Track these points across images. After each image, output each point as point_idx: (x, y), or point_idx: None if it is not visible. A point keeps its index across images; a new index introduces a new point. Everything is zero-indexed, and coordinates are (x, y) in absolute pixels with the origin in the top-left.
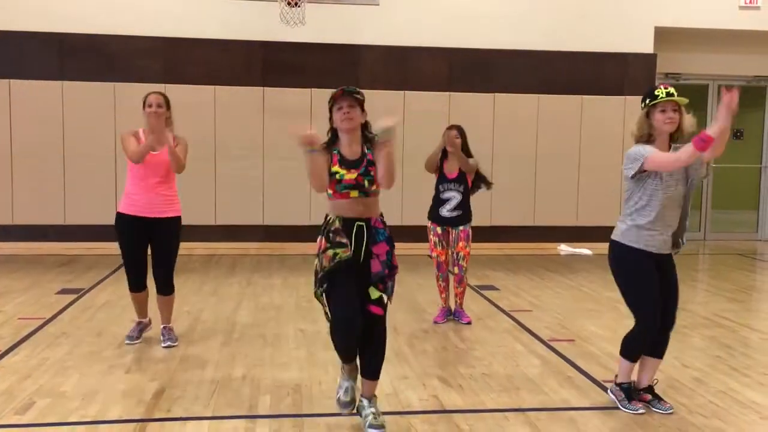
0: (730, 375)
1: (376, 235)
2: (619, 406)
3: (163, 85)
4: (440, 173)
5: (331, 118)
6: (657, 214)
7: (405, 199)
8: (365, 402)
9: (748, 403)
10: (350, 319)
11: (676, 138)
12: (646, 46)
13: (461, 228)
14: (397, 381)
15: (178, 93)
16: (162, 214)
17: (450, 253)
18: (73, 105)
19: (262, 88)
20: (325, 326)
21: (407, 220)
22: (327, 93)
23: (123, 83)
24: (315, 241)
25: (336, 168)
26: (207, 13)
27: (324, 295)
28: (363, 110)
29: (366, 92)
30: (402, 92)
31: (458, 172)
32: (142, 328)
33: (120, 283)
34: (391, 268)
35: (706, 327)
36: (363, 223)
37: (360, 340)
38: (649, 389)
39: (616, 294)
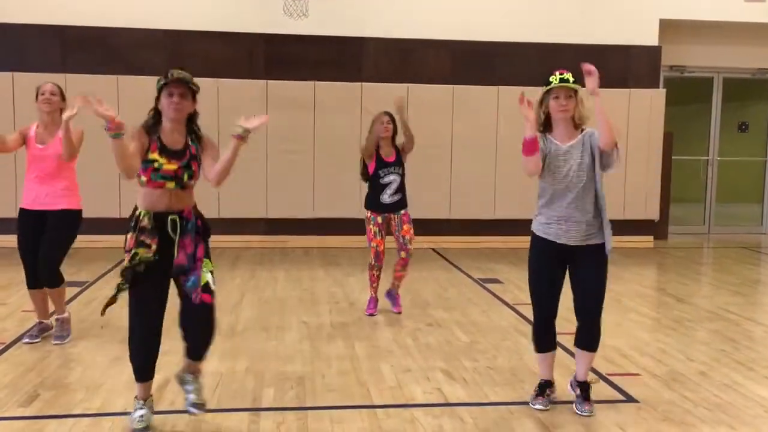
0: (735, 368)
1: (186, 226)
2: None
3: None
4: (377, 159)
5: (157, 99)
6: (547, 202)
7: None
8: (188, 377)
9: (753, 397)
10: (146, 335)
11: (578, 125)
12: (651, 38)
13: (402, 212)
14: (401, 374)
15: None
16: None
17: (396, 238)
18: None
19: (265, 80)
20: (328, 318)
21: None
22: (330, 85)
23: (126, 76)
24: (318, 234)
25: (155, 156)
26: (210, 6)
27: (126, 294)
28: (194, 100)
29: (369, 85)
30: (405, 85)
31: (395, 156)
32: (43, 327)
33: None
34: (195, 260)
35: (710, 320)
36: (176, 216)
37: (186, 327)
38: (581, 384)
39: (619, 287)
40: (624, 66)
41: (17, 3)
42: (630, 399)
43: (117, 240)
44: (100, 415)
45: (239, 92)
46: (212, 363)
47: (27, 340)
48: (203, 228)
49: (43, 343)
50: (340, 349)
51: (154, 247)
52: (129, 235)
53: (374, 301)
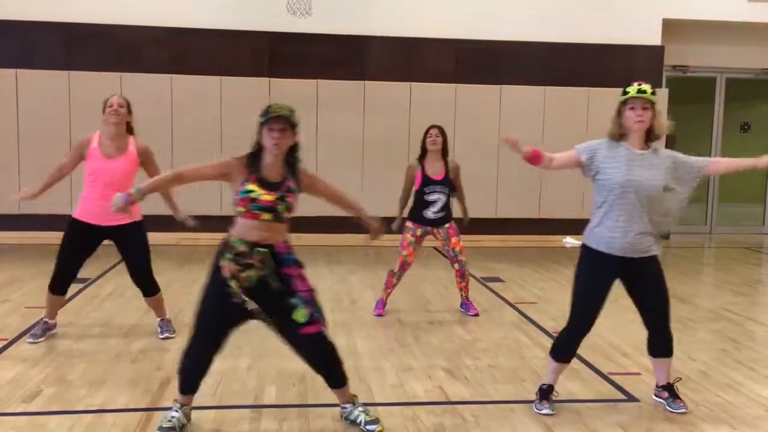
0: (736, 368)
1: (282, 261)
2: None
3: (170, 75)
4: (423, 176)
5: (259, 132)
6: (607, 214)
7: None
8: (349, 407)
9: (754, 397)
10: (201, 356)
11: (652, 138)
12: (654, 38)
13: (447, 226)
14: (402, 372)
15: (184, 83)
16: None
17: (446, 251)
18: (79, 95)
19: (268, 78)
20: (330, 316)
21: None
22: (334, 84)
23: (130, 73)
24: (321, 232)
25: (252, 186)
26: (214, 4)
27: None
28: (295, 133)
29: (372, 83)
30: (408, 83)
31: (444, 174)
32: (47, 327)
33: (125, 273)
34: (310, 290)
35: (712, 320)
36: (266, 249)
37: (312, 363)
38: (667, 387)
39: (621, 287)
40: (627, 65)
41: (22, 0)
42: (631, 398)
43: None
44: (102, 411)
45: (243, 90)
46: (214, 360)
47: (30, 340)
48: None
49: (45, 340)
50: (342, 346)
51: (258, 265)
52: (222, 264)
53: (383, 302)
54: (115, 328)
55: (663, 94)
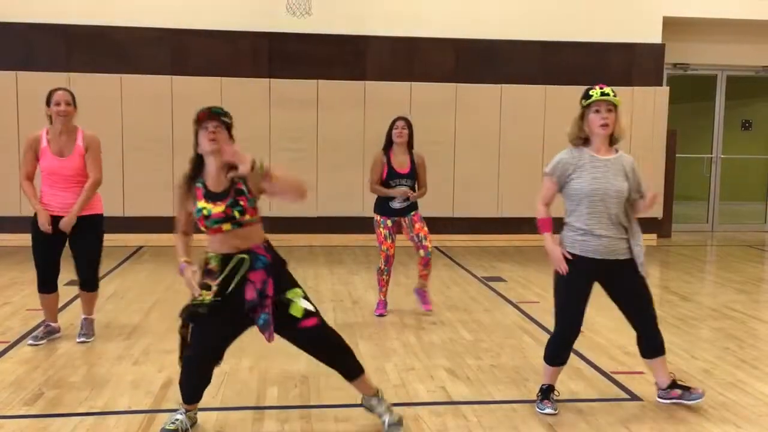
0: (739, 366)
1: (255, 262)
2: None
3: (170, 76)
4: (389, 168)
5: (196, 144)
6: (579, 219)
7: None
8: (374, 401)
9: (757, 395)
10: (199, 364)
11: (613, 141)
12: (654, 35)
13: (412, 213)
14: (405, 372)
15: (184, 84)
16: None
17: (411, 238)
18: (79, 96)
19: (268, 79)
20: (332, 317)
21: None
22: (334, 84)
23: (130, 74)
24: (322, 232)
25: (202, 203)
26: (213, 4)
27: (186, 328)
28: (230, 135)
29: (372, 83)
30: (408, 83)
31: (410, 167)
32: (49, 330)
33: (127, 274)
34: (264, 297)
35: (714, 318)
36: (245, 255)
37: (320, 358)
38: (674, 384)
39: None
40: (627, 64)
41: (21, 2)
42: (634, 397)
43: (116, 239)
44: (104, 414)
45: (243, 91)
46: None
47: (31, 342)
48: (276, 262)
49: (46, 342)
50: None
51: (215, 288)
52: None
53: (383, 303)
54: (116, 329)
55: (664, 92)
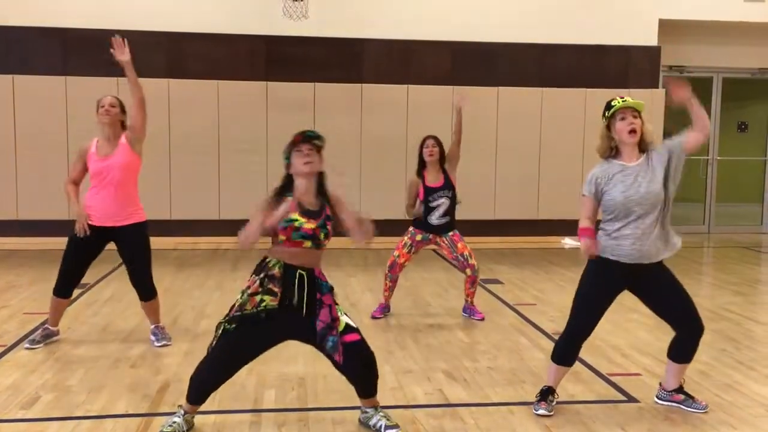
0: (736, 368)
1: (320, 286)
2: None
3: (167, 80)
4: (425, 188)
5: (288, 165)
6: (614, 224)
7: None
8: (370, 411)
9: (754, 396)
10: (219, 374)
11: (642, 148)
12: (651, 38)
13: (450, 234)
14: (402, 375)
15: (181, 88)
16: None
17: (455, 258)
18: (76, 100)
19: (265, 82)
20: None
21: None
22: (330, 87)
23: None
24: None
25: (295, 216)
26: (210, 8)
27: (225, 331)
28: (321, 157)
29: (369, 86)
30: (405, 86)
31: (443, 180)
32: (47, 333)
33: (124, 277)
34: (334, 320)
35: (711, 320)
36: (305, 273)
37: (354, 374)
38: (680, 390)
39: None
40: (624, 66)
41: (18, 6)
42: (631, 399)
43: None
44: (101, 417)
45: (240, 94)
46: None
47: (28, 345)
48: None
49: (44, 346)
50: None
51: (279, 295)
52: (253, 278)
53: (382, 306)
54: (113, 333)
55: (660, 94)
